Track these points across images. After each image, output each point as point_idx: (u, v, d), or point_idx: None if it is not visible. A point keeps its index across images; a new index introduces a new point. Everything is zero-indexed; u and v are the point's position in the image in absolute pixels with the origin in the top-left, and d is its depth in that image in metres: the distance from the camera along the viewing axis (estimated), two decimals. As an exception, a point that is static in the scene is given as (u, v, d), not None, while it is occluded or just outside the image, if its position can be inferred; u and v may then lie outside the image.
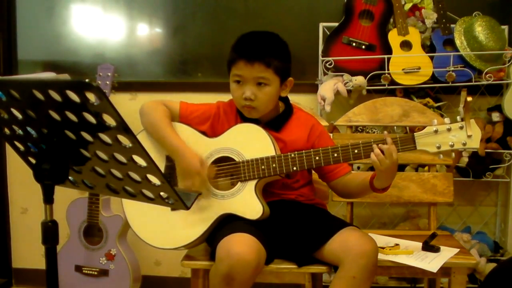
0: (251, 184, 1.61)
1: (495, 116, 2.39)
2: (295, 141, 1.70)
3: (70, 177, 1.10)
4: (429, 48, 2.41)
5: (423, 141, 1.54)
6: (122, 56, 2.72)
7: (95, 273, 2.39)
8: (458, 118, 1.54)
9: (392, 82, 2.33)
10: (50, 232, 1.08)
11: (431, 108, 2.25)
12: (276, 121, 1.71)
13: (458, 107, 2.33)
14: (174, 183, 1.69)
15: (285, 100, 1.76)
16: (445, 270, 1.61)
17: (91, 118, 0.94)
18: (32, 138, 1.06)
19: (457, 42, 2.33)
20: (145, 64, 2.72)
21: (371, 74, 2.33)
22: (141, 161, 0.99)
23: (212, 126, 1.73)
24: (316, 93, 2.41)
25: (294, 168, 1.61)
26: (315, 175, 1.82)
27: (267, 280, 1.60)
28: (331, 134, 1.96)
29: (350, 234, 1.53)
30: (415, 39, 2.36)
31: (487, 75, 2.28)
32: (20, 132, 1.07)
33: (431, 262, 1.60)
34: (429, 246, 1.70)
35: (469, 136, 1.51)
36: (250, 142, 1.64)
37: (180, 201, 1.07)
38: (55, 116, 0.98)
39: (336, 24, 2.40)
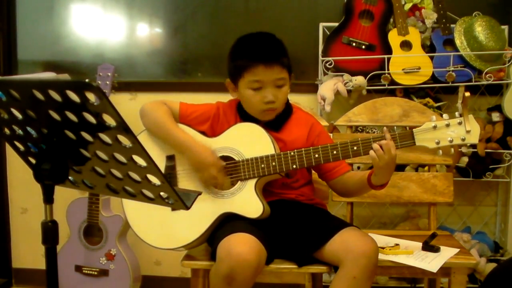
0: (251, 183, 1.62)
1: (495, 116, 2.38)
2: (295, 140, 1.70)
3: (70, 177, 1.10)
4: (429, 48, 2.41)
5: (422, 137, 1.54)
6: (122, 56, 2.72)
7: (95, 273, 2.39)
8: (457, 114, 1.54)
9: (392, 82, 2.33)
10: (50, 232, 1.08)
11: (431, 108, 2.25)
12: (275, 121, 1.71)
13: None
14: (174, 183, 1.69)
15: (285, 100, 1.76)
16: (445, 270, 1.61)
17: (91, 118, 0.94)
18: (32, 138, 1.06)
19: (457, 42, 2.33)
20: (145, 64, 2.72)
21: (371, 74, 2.33)
22: (141, 161, 0.99)
23: (211, 127, 1.73)
24: (316, 93, 2.41)
25: (294, 166, 1.61)
26: (315, 175, 1.82)
27: (267, 280, 1.60)
28: (331, 134, 1.96)
29: (351, 234, 1.53)
30: (415, 39, 2.36)
31: (487, 75, 2.28)
32: (20, 132, 1.07)
33: (431, 262, 1.60)
34: (429, 246, 1.70)
35: (467, 132, 1.51)
36: (250, 141, 1.64)
37: (180, 201, 1.07)
38: (55, 116, 0.98)
39: (336, 24, 2.41)
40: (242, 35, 1.69)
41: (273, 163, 1.61)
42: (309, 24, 2.53)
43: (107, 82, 2.36)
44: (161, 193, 1.06)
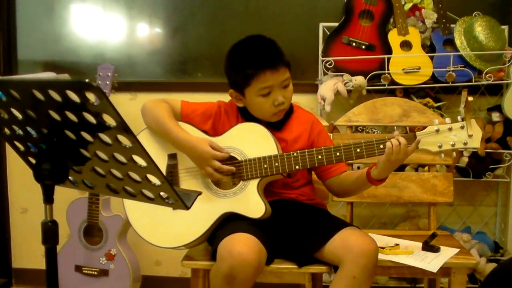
0: (254, 183, 1.62)
1: (495, 116, 2.39)
2: (296, 139, 1.71)
3: (70, 177, 1.10)
4: (429, 48, 2.41)
5: (425, 140, 1.55)
6: (122, 56, 2.72)
7: (95, 273, 2.39)
8: (459, 118, 1.55)
9: (392, 82, 2.33)
10: (50, 232, 1.08)
11: (431, 108, 2.25)
12: (277, 120, 1.71)
13: (458, 107, 2.34)
14: (176, 181, 1.69)
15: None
16: (445, 270, 1.61)
17: (91, 118, 0.94)
18: (32, 138, 1.06)
19: (457, 42, 2.33)
20: (145, 64, 2.72)
21: (371, 74, 2.33)
22: (141, 161, 0.99)
23: (213, 125, 1.73)
24: (316, 93, 2.41)
25: (297, 167, 1.61)
26: (315, 175, 1.82)
27: (267, 280, 1.60)
28: (331, 134, 1.96)
29: (351, 234, 1.53)
30: (415, 39, 2.36)
31: (487, 75, 2.28)
32: (20, 132, 1.06)
33: (431, 262, 1.60)
34: (429, 246, 1.70)
35: (470, 136, 1.52)
36: (253, 141, 1.64)
37: (180, 201, 1.07)
38: (55, 116, 0.98)
39: (336, 24, 2.41)
40: (234, 45, 1.66)
41: (276, 164, 1.61)
42: (309, 24, 2.54)
43: (107, 82, 2.36)
44: (161, 193, 1.06)
